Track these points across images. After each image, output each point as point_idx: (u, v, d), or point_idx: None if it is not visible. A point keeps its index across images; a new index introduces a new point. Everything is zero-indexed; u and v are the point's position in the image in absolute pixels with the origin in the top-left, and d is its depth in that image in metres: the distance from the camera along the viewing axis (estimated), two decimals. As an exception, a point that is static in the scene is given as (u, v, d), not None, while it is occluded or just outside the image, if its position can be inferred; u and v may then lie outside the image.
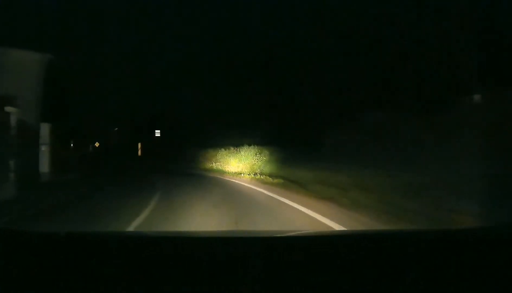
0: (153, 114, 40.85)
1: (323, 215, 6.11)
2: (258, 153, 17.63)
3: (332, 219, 5.77)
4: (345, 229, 5.07)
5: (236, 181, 14.15)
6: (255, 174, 15.72)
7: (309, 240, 2.01)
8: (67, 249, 1.53)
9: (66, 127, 20.34)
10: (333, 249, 1.66)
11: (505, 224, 2.20)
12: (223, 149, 21.28)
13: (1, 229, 1.85)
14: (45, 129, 14.62)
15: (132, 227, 5.29)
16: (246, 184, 12.73)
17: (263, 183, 12.89)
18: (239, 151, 19.21)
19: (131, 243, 1.71)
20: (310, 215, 6.29)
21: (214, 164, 21.88)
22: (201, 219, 6.07)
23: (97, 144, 50.19)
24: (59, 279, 1.26)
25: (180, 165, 26.05)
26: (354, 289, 1.26)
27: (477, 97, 7.38)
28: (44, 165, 14.25)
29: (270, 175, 14.27)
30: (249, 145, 18.48)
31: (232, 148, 20.22)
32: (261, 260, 1.41)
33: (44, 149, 14.41)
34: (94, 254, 1.47)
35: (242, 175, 16.62)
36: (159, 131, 42.36)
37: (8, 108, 9.13)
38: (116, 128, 50.38)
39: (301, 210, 6.80)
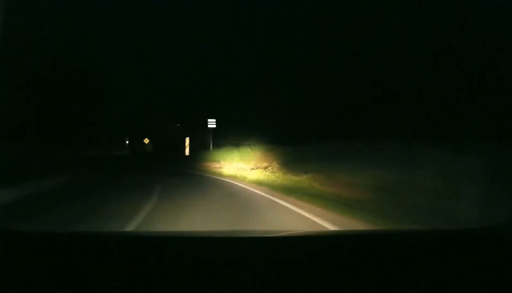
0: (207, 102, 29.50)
1: None
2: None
3: None
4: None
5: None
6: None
7: (309, 240, 2.01)
8: (67, 249, 1.53)
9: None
10: (333, 249, 1.66)
11: (505, 224, 2.21)
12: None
13: (1, 229, 1.85)
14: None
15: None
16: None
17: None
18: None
19: (132, 243, 1.72)
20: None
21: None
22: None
23: (146, 141, 47.64)
24: (59, 279, 1.26)
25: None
26: (354, 289, 1.26)
27: None
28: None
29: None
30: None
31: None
32: (261, 260, 1.41)
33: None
34: (94, 254, 1.48)
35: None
36: (214, 120, 33.70)
37: None
38: (178, 124, 44.82)
39: None
